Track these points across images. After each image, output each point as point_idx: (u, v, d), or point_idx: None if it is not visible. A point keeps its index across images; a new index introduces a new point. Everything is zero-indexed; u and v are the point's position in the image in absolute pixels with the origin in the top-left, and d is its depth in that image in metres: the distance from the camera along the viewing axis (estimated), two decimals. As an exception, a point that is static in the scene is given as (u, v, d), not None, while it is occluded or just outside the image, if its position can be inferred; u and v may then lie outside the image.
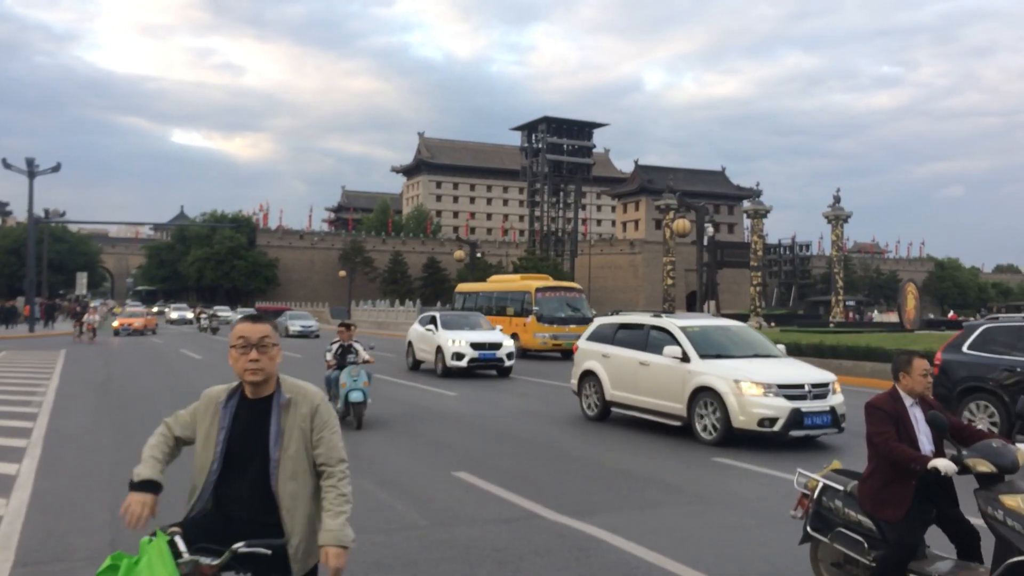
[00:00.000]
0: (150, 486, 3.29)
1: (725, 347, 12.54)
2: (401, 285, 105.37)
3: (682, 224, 42.29)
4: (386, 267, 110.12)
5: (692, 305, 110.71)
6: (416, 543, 6.75)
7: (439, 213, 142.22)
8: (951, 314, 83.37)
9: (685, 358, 12.10)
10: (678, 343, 12.30)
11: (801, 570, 6.12)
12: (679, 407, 12.14)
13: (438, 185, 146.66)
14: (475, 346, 21.57)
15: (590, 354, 14.12)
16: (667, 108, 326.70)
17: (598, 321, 14.88)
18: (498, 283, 35.41)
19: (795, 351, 22.23)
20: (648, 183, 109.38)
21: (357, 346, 13.38)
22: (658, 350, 12.48)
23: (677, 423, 12.27)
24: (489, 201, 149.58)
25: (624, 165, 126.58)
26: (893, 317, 62.13)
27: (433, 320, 23.39)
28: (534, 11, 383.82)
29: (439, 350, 22.02)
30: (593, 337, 14.32)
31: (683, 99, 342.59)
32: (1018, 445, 4.55)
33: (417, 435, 12.50)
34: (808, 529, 5.22)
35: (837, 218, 64.09)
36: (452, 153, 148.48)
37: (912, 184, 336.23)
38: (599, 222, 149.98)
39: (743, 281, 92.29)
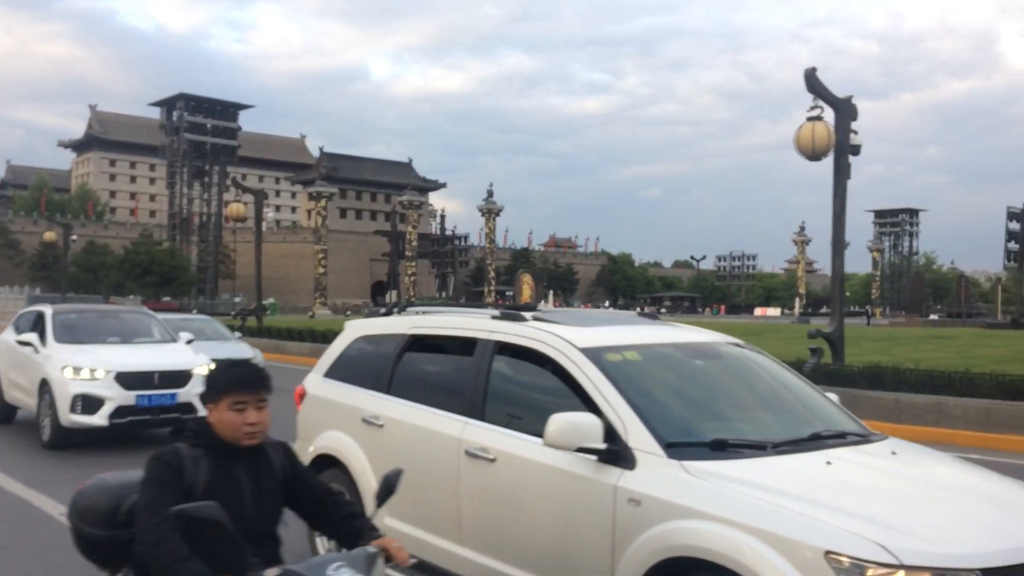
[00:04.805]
0: None
1: None
2: (53, 271, 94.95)
3: (236, 208, 40.17)
4: (36, 251, 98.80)
5: (377, 295, 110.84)
6: None
7: (113, 194, 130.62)
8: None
9: None
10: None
11: None
12: None
13: (112, 163, 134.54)
14: (127, 380, 10.15)
15: (333, 415, 5.41)
16: (392, 99, 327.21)
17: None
18: None
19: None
20: (332, 171, 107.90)
21: None
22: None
23: None
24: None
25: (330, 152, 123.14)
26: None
27: (39, 322, 11.41)
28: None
29: (46, 387, 10.36)
30: (337, 371, 5.63)
31: (408, 91, 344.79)
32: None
33: None
34: None
35: (490, 211, 66.85)
36: (130, 130, 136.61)
37: (618, 184, 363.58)
38: (293, 209, 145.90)
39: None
